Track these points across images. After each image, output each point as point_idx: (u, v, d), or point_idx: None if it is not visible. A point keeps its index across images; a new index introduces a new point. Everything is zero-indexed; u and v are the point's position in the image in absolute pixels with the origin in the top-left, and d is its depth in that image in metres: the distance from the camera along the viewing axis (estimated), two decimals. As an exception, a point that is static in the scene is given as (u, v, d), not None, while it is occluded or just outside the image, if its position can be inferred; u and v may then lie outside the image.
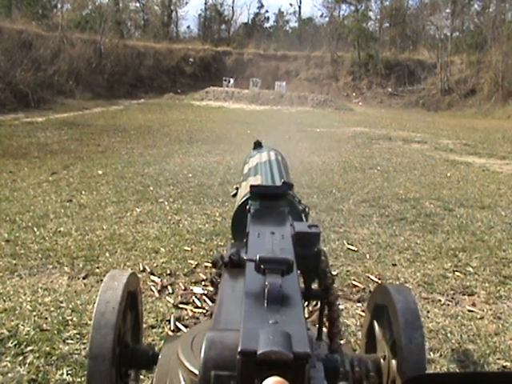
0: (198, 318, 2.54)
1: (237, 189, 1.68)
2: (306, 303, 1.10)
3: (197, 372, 0.89)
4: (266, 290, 0.73)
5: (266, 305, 0.72)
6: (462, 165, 8.33)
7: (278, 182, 1.43)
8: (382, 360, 1.36)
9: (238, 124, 13.74)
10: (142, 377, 1.90)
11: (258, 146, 1.98)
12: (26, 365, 2.03)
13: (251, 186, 1.30)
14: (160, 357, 1.27)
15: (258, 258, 0.79)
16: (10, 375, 1.96)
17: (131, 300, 1.49)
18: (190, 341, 1.13)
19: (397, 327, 1.30)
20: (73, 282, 2.92)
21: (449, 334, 2.47)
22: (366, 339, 1.56)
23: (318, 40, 35.48)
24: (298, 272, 1.04)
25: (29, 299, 2.64)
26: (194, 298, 2.76)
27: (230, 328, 0.70)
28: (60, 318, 2.44)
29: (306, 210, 1.35)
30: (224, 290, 1.01)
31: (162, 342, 1.48)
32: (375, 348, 1.44)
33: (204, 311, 2.61)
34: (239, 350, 0.59)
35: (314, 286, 1.17)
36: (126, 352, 1.38)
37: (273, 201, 1.27)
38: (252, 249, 0.96)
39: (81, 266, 3.15)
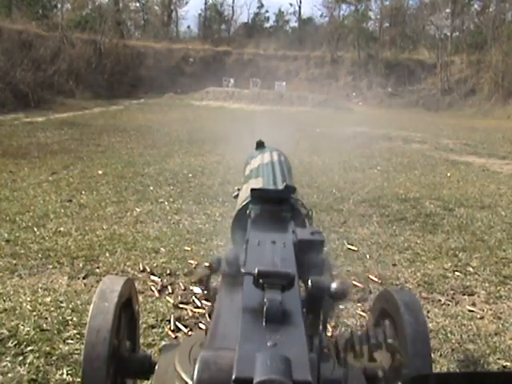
0: (197, 318, 2.54)
1: (238, 190, 1.63)
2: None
3: None
4: (265, 308, 0.68)
5: (264, 324, 0.66)
6: (462, 165, 8.32)
7: (281, 185, 1.36)
8: (383, 367, 1.33)
9: (239, 124, 13.71)
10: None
11: (260, 146, 1.91)
12: (26, 365, 2.03)
13: (252, 190, 1.24)
14: (157, 367, 1.21)
15: (256, 271, 0.73)
16: (10, 375, 1.96)
17: (125, 312, 1.42)
18: (187, 351, 1.08)
19: (404, 352, 1.22)
20: (73, 282, 2.92)
21: (449, 334, 2.47)
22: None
23: (317, 40, 35.42)
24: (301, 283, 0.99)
25: (29, 299, 2.64)
26: (193, 297, 2.76)
27: (225, 346, 0.65)
28: (60, 317, 2.44)
29: (310, 213, 1.29)
30: (221, 303, 0.95)
31: (159, 351, 1.43)
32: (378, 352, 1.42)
33: (204, 311, 2.61)
34: (233, 377, 0.54)
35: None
36: (122, 363, 1.33)
37: (274, 205, 1.21)
38: (251, 259, 0.90)
39: (81, 265, 3.15)
